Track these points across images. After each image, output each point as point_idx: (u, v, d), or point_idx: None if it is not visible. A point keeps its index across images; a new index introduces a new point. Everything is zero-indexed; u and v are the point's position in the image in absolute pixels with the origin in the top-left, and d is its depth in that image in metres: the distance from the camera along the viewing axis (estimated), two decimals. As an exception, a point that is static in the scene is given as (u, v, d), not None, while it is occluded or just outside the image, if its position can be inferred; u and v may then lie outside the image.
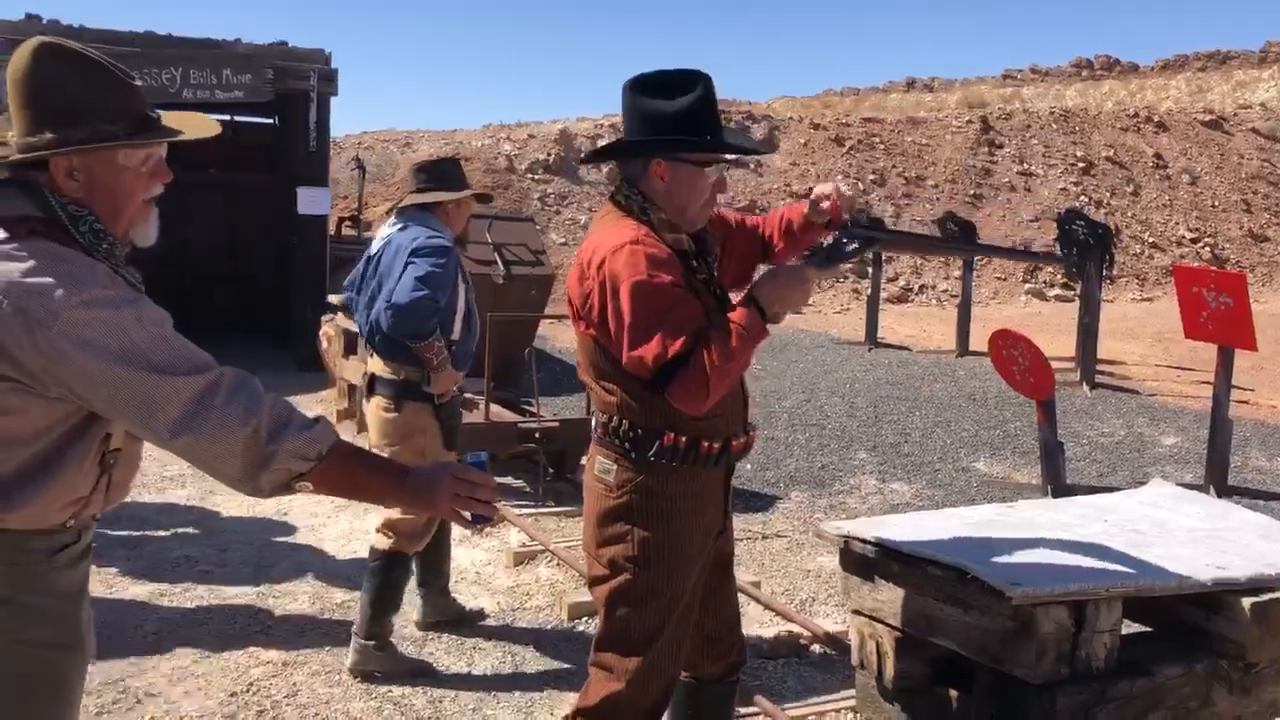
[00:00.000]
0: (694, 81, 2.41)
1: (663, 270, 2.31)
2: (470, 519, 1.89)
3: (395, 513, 3.91)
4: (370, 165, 14.50)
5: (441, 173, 4.12)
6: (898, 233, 2.69)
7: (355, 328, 4.31)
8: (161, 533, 5.47)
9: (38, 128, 1.74)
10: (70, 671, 1.89)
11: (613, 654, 2.47)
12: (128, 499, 5.73)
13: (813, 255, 2.43)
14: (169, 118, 1.89)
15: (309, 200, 10.72)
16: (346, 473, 1.80)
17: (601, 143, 17.78)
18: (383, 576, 3.90)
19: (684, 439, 2.40)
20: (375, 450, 3.98)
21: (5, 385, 1.67)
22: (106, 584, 4.67)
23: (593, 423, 2.54)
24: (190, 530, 5.52)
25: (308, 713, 3.61)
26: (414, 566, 4.13)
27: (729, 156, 2.50)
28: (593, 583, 2.53)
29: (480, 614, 4.49)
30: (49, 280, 1.65)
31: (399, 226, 4.02)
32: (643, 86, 2.42)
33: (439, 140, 18.12)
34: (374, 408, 3.98)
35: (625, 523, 2.44)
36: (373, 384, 3.98)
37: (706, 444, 2.42)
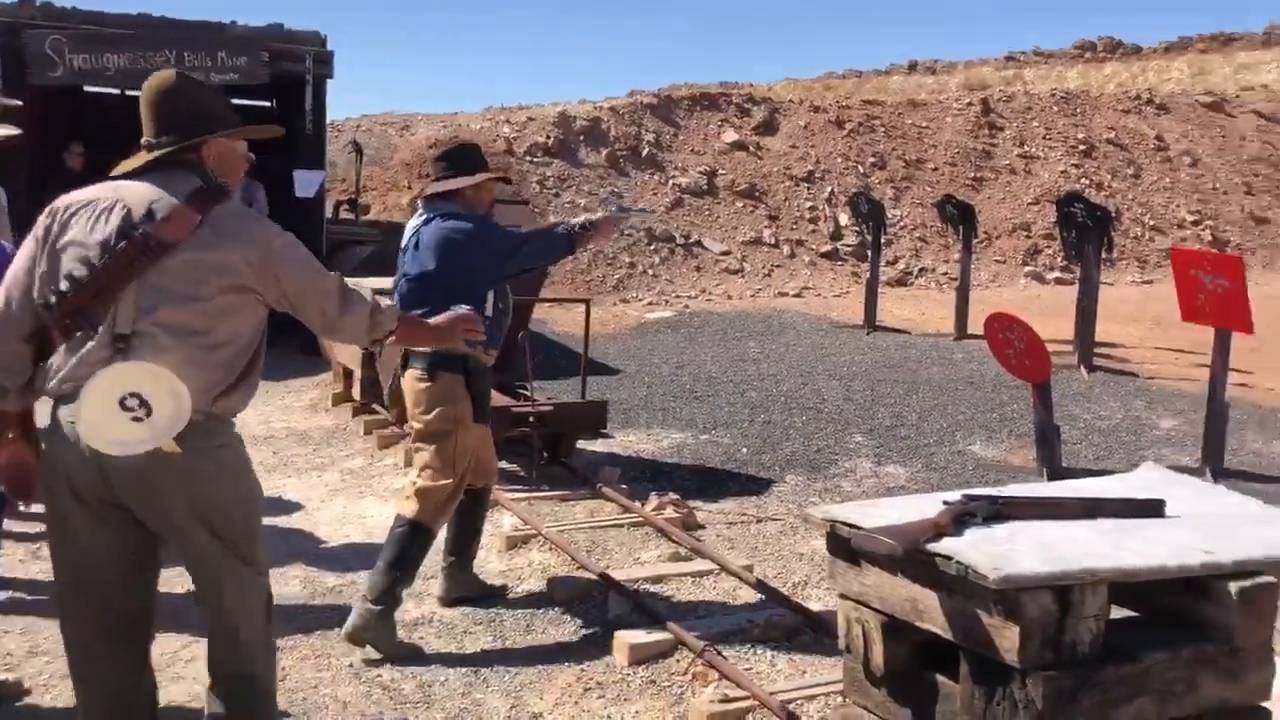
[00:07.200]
0: None
1: None
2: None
3: (425, 479, 4.05)
4: (369, 148, 14.44)
5: (460, 158, 4.32)
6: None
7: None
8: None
9: (205, 125, 2.60)
10: None
11: None
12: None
13: None
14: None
15: (305, 183, 10.70)
16: (410, 327, 3.05)
17: (603, 126, 17.68)
18: (405, 543, 4.01)
19: None
20: (411, 418, 4.23)
21: (249, 296, 2.54)
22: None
23: None
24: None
25: (296, 697, 3.61)
26: (446, 538, 4.34)
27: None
28: None
29: (504, 589, 4.60)
30: (257, 221, 2.63)
31: (424, 218, 4.19)
32: None
33: (437, 124, 18.00)
34: (409, 379, 4.14)
35: None
36: (407, 358, 4.16)
37: None
